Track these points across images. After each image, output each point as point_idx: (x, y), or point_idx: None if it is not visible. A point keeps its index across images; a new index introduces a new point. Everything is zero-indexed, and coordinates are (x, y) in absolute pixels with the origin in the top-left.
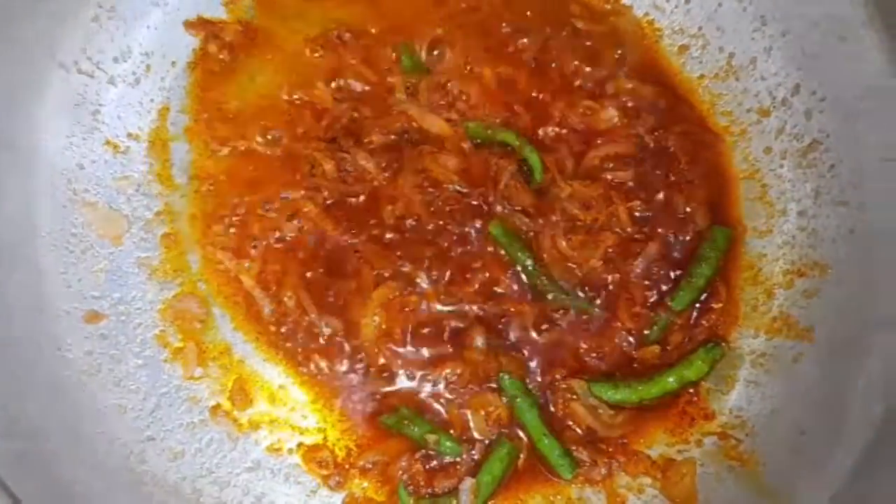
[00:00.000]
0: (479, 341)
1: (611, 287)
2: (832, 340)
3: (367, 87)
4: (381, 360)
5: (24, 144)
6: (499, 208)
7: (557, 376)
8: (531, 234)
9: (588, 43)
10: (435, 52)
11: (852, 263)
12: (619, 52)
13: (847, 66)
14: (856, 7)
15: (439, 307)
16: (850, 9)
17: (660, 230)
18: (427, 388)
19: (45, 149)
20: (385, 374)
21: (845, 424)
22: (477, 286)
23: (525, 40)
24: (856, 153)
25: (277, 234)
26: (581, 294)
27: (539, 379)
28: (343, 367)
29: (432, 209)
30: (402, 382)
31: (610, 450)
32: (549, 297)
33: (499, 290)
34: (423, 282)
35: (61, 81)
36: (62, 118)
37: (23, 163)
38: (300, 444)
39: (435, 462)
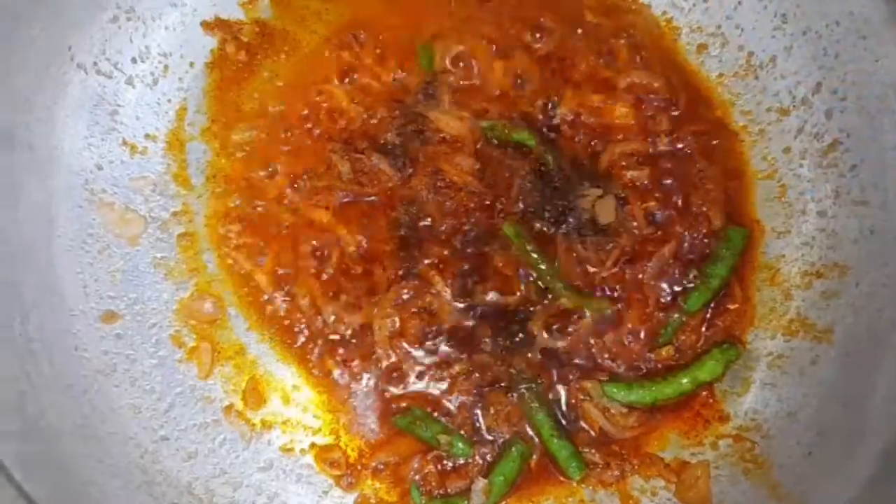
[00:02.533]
0: (492, 342)
1: (625, 288)
2: (851, 342)
3: (383, 88)
4: (394, 361)
5: (43, 145)
6: (513, 209)
7: (570, 377)
8: (545, 234)
9: (604, 40)
10: (452, 52)
11: (873, 264)
12: (636, 50)
13: (868, 64)
14: (876, 5)
15: (452, 307)
16: (870, 7)
17: (675, 230)
18: (439, 388)
19: (63, 149)
20: (397, 375)
21: (864, 427)
22: (490, 287)
23: (540, 38)
24: (877, 153)
25: (292, 235)
26: (595, 295)
27: (552, 380)
28: (356, 367)
29: (447, 210)
30: (415, 383)
31: (623, 452)
32: (563, 297)
33: (512, 290)
34: (436, 282)
35: (80, 82)
36: (80, 119)
37: (41, 163)
38: (313, 445)
39: (447, 463)
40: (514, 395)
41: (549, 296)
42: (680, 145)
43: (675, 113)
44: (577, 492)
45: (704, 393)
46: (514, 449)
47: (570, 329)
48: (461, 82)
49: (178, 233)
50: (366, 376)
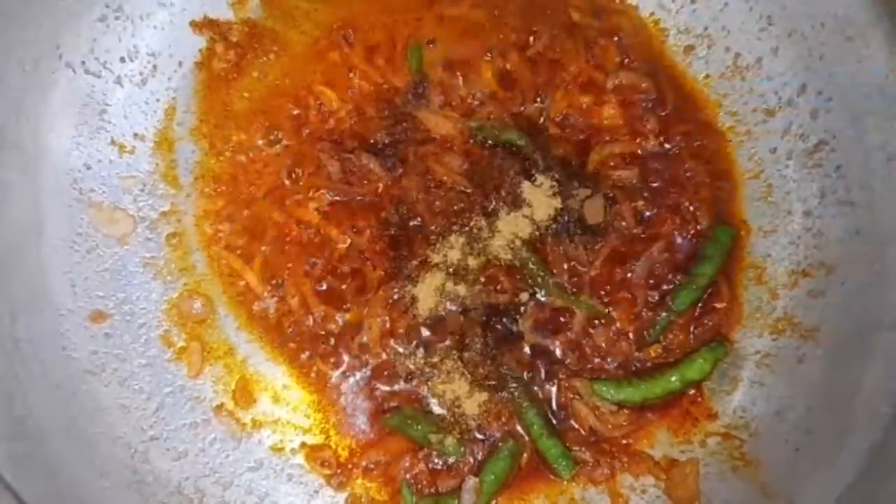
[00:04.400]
0: (482, 341)
1: (614, 287)
2: (838, 341)
3: (372, 88)
4: (385, 360)
5: (31, 144)
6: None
7: (560, 376)
8: (535, 233)
9: (592, 42)
10: (441, 53)
11: (858, 264)
12: (624, 51)
13: (853, 66)
14: (862, 7)
15: (443, 306)
16: (856, 9)
17: (663, 230)
18: (430, 387)
19: (51, 148)
20: (388, 374)
21: (851, 425)
22: (480, 286)
23: (529, 39)
24: (862, 153)
25: (282, 235)
26: (584, 294)
27: (542, 378)
28: (346, 366)
29: (436, 209)
30: (405, 382)
31: (613, 450)
32: (552, 296)
33: (502, 290)
34: (426, 282)
35: (68, 81)
36: (69, 118)
37: (29, 162)
38: (303, 444)
39: (438, 462)
40: (505, 393)
41: (539, 295)
42: (668, 146)
43: (663, 114)
44: (567, 490)
45: (693, 391)
46: (504, 448)
47: (560, 328)
48: (451, 83)
49: (166, 232)
50: (356, 375)
